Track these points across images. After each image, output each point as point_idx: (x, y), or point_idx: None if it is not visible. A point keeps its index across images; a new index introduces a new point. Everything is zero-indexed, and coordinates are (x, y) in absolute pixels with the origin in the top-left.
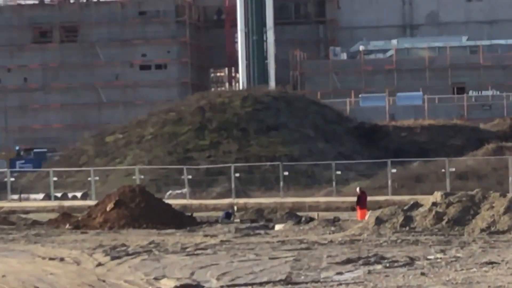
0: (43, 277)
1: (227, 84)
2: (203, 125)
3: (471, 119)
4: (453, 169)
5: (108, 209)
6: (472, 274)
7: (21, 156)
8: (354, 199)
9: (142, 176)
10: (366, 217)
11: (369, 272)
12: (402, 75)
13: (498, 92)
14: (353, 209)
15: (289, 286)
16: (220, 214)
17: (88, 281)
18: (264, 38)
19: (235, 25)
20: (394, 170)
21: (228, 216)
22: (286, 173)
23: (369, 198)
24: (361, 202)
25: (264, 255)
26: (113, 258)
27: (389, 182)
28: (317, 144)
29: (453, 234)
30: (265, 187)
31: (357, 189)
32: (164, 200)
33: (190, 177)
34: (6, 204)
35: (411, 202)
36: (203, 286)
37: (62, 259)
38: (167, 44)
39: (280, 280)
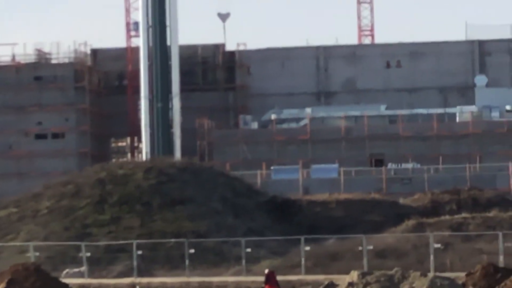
0: None
1: (129, 155)
2: (103, 199)
3: (390, 193)
4: (371, 247)
5: None
6: None
7: None
8: (260, 278)
9: (37, 253)
10: None
11: None
12: (317, 146)
13: (418, 165)
14: None
15: None
16: None
17: None
18: (170, 106)
19: (138, 92)
20: (307, 248)
21: None
22: (192, 250)
23: (281, 278)
24: (270, 283)
25: None
26: None
27: (303, 260)
28: (225, 219)
29: None
30: (169, 265)
31: (266, 271)
32: (60, 279)
33: (89, 254)
34: None
35: (326, 282)
36: None
37: None
38: (65, 112)
39: None
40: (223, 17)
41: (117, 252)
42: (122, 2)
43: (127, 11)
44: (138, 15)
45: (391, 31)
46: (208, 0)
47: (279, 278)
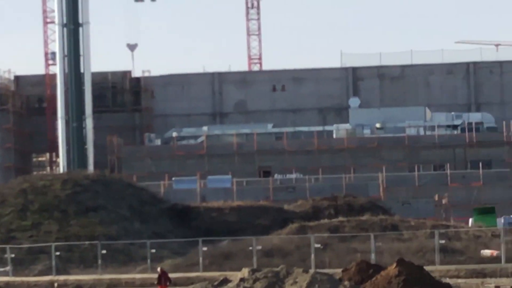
0: None
1: (48, 168)
2: (26, 207)
3: (277, 201)
4: (260, 247)
5: None
6: None
7: None
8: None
9: None
10: None
11: None
12: (212, 160)
13: (301, 175)
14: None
15: None
16: None
17: None
18: (83, 125)
19: (56, 113)
20: (205, 248)
21: None
22: (104, 251)
23: (182, 275)
24: (162, 282)
25: None
26: None
27: (200, 259)
28: (133, 224)
29: None
30: (84, 264)
31: (158, 269)
32: None
33: (13, 255)
34: None
35: (221, 278)
36: None
37: None
38: None
39: None
40: (132, 47)
41: (38, 253)
42: (41, 35)
43: (46, 42)
44: (55, 46)
45: (277, 59)
46: (118, 32)
47: (180, 275)
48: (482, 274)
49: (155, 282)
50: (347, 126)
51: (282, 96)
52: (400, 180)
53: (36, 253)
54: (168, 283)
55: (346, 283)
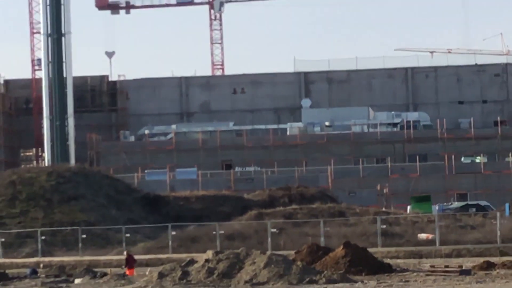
0: None
1: (34, 162)
2: (15, 196)
3: (237, 190)
4: (222, 232)
5: None
6: None
7: None
8: (137, 257)
9: None
10: (134, 274)
11: None
12: (180, 154)
13: (259, 168)
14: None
15: None
16: (27, 272)
17: None
18: (66, 124)
19: (41, 113)
20: (173, 233)
21: (34, 272)
22: (84, 236)
23: (153, 256)
24: (129, 264)
25: None
26: None
27: (170, 242)
28: (110, 211)
29: (222, 285)
30: (66, 247)
31: (125, 253)
32: None
33: (3, 239)
34: None
35: (188, 259)
36: None
37: None
38: None
39: None
40: (110, 54)
41: (25, 237)
42: (28, 43)
43: (32, 50)
44: (41, 53)
45: (237, 65)
46: (97, 41)
47: (152, 256)
48: (419, 255)
49: (123, 265)
50: (299, 124)
51: (242, 98)
52: (346, 172)
53: (23, 238)
54: (134, 265)
55: (299, 263)
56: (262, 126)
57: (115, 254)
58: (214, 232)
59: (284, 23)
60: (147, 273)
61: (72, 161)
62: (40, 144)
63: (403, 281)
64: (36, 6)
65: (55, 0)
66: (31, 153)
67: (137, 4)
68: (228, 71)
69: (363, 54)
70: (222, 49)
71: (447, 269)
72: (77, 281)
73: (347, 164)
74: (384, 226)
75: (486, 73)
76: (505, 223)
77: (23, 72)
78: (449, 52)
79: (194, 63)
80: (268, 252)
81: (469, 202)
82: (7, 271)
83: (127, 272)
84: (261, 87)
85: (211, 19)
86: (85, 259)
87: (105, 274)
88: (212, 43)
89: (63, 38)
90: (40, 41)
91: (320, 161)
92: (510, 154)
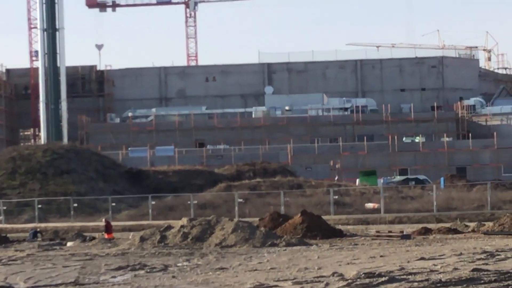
0: None
1: (32, 140)
2: (14, 170)
3: (209, 166)
4: (196, 202)
5: None
6: (209, 277)
7: None
8: (121, 223)
9: None
10: (113, 236)
11: (135, 275)
12: (159, 134)
13: (228, 146)
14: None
15: (77, 286)
16: (27, 235)
17: None
18: (59, 107)
19: (38, 98)
20: (153, 202)
21: (35, 234)
22: (75, 204)
23: (136, 222)
24: (108, 229)
25: (59, 264)
26: None
27: (150, 211)
28: (98, 183)
29: (196, 248)
30: (60, 215)
31: (103, 220)
32: None
33: (5, 208)
34: None
35: (165, 225)
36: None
37: None
38: None
39: (70, 282)
40: (99, 47)
41: (24, 206)
42: (26, 37)
43: (30, 43)
44: (38, 46)
45: (209, 56)
46: (88, 35)
47: (134, 223)
48: (366, 222)
49: (103, 231)
50: (263, 108)
51: (213, 85)
52: (303, 150)
53: (22, 206)
54: (111, 230)
55: (262, 229)
56: (231, 110)
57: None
58: (188, 202)
59: (251, 20)
60: (130, 237)
61: (65, 139)
62: (37, 125)
63: (352, 244)
64: (34, 5)
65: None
66: (29, 133)
67: (122, 3)
68: (201, 62)
69: (318, 48)
70: (196, 43)
71: (390, 234)
72: (69, 244)
73: (304, 143)
74: (336, 197)
75: (424, 65)
76: (440, 194)
77: (22, 62)
78: (393, 46)
79: (171, 55)
80: (235, 219)
81: (409, 176)
82: (8, 235)
83: (106, 236)
84: (230, 76)
85: (186, 17)
86: (76, 225)
87: (93, 238)
88: (187, 38)
89: (57, 33)
90: (37, 35)
91: (281, 140)
92: (444, 135)
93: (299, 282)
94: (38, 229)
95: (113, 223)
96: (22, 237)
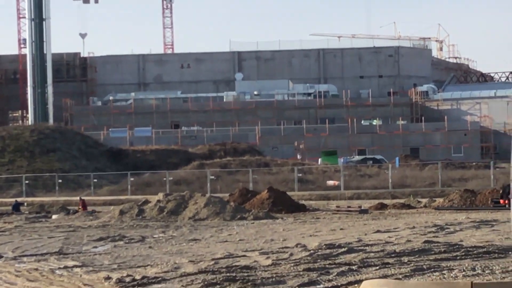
0: None
1: (20, 121)
2: (4, 148)
3: (183, 145)
4: (171, 178)
5: None
6: (182, 247)
7: None
8: (102, 198)
9: None
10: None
11: (115, 246)
12: (138, 116)
13: (201, 128)
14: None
15: (61, 255)
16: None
17: None
18: (46, 91)
19: (26, 82)
20: (132, 179)
21: (17, 206)
22: (60, 180)
23: (116, 197)
24: (83, 206)
25: (45, 235)
26: None
27: (129, 186)
28: (81, 161)
29: (171, 221)
30: (45, 190)
31: (79, 198)
32: None
33: None
34: None
35: (143, 200)
36: (2, 256)
37: None
38: None
39: (55, 252)
40: (83, 35)
41: (13, 182)
42: (15, 26)
43: (19, 31)
44: (26, 34)
45: (184, 45)
46: (72, 24)
47: (114, 197)
48: (327, 198)
49: (79, 207)
50: (233, 93)
51: (188, 72)
52: (270, 132)
53: (11, 182)
54: (86, 206)
55: (232, 203)
56: (204, 95)
57: (85, 196)
58: (164, 179)
59: (223, 12)
60: (110, 210)
61: (51, 121)
62: (25, 107)
63: (314, 218)
64: None
65: None
66: (17, 114)
67: None
68: (177, 50)
69: (285, 37)
70: (172, 32)
71: (349, 209)
72: (54, 216)
73: (271, 125)
74: (300, 175)
75: (381, 54)
76: (395, 172)
77: (11, 49)
78: (353, 37)
79: (149, 43)
80: (207, 195)
81: (367, 156)
82: None
83: (82, 210)
84: (203, 63)
85: (163, 8)
86: (60, 199)
87: (76, 211)
88: (164, 28)
89: (44, 22)
90: (25, 24)
91: (250, 122)
92: (400, 118)
93: (265, 252)
94: (20, 201)
95: (95, 198)
96: (10, 210)
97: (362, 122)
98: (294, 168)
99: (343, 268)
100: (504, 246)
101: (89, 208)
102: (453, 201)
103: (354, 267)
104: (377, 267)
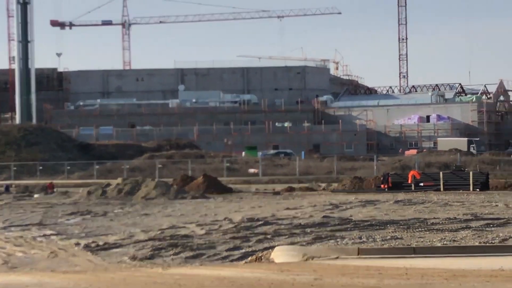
0: None
1: (10, 121)
2: None
3: (138, 140)
4: (128, 166)
5: None
6: (136, 220)
7: None
8: (73, 181)
9: None
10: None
11: (83, 219)
12: (102, 118)
13: (152, 127)
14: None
15: (41, 226)
16: (2, 188)
17: None
18: (30, 98)
19: (15, 90)
20: (97, 167)
21: (7, 187)
22: (41, 167)
23: (84, 181)
24: (51, 187)
25: (28, 210)
26: None
27: (95, 172)
28: (57, 153)
29: (127, 199)
30: (29, 175)
31: (48, 182)
32: None
33: None
34: None
35: (106, 183)
36: None
37: None
38: None
39: (36, 223)
40: (59, 54)
41: (3, 168)
42: (7, 46)
43: (9, 50)
44: (15, 53)
45: (139, 63)
46: (52, 45)
47: (83, 181)
48: (249, 182)
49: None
50: (177, 101)
51: (142, 84)
52: (205, 131)
53: (2, 168)
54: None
55: (175, 187)
56: (154, 101)
57: (61, 180)
58: (122, 167)
59: (169, 37)
60: (80, 191)
61: (34, 121)
62: (14, 110)
63: (239, 198)
64: (13, 23)
65: (23, 20)
66: (8, 115)
67: (76, 23)
68: (133, 67)
69: (217, 58)
70: (130, 53)
71: (265, 191)
72: (36, 195)
73: (206, 125)
74: (228, 164)
75: (292, 72)
76: (301, 163)
77: (3, 64)
78: (270, 58)
79: (112, 61)
80: (156, 180)
81: (280, 150)
82: None
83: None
84: (154, 77)
85: (123, 34)
86: (41, 182)
87: (53, 192)
88: (123, 49)
89: (29, 44)
90: (14, 45)
91: (189, 123)
92: (305, 122)
93: (200, 224)
94: (10, 184)
95: (68, 181)
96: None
97: (276, 124)
98: (223, 159)
99: (260, 237)
100: (383, 220)
101: (63, 190)
102: (345, 185)
103: (269, 236)
104: (287, 236)
